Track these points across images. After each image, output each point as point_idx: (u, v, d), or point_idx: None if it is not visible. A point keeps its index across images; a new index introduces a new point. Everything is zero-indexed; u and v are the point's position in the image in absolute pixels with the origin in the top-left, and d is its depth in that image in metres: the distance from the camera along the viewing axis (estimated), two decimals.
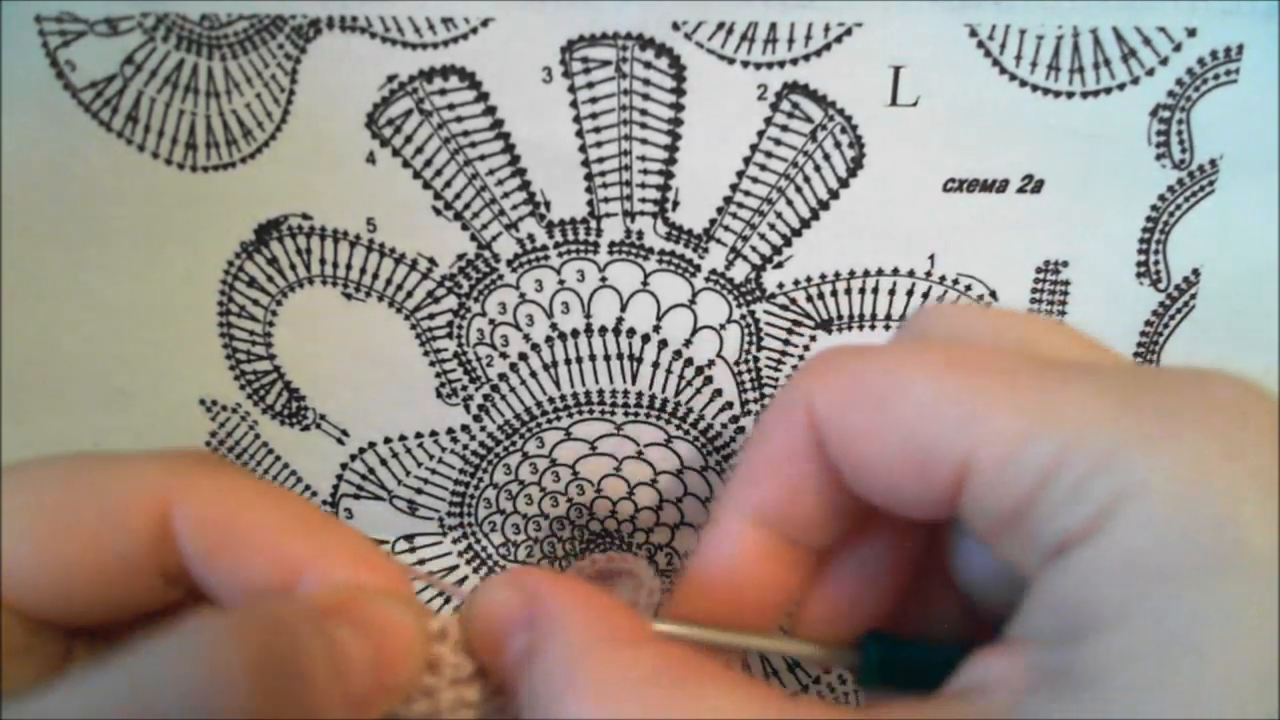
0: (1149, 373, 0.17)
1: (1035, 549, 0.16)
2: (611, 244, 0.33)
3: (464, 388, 0.35)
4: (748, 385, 0.35)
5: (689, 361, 0.35)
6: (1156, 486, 0.14)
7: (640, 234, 0.33)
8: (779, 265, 0.34)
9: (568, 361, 0.35)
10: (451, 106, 0.32)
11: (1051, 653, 0.15)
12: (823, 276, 0.34)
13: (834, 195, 0.33)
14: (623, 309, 0.34)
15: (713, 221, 0.33)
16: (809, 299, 0.34)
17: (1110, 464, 0.15)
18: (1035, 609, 0.16)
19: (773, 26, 0.31)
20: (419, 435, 0.36)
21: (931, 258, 0.34)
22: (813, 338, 0.35)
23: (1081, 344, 0.19)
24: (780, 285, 0.34)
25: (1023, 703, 0.15)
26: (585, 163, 0.32)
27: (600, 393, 0.35)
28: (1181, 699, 0.13)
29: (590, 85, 0.31)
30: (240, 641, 0.15)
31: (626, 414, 0.36)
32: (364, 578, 0.20)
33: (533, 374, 0.35)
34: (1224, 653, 0.13)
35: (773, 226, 0.33)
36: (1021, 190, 0.33)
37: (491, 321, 0.34)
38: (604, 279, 0.34)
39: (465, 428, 0.36)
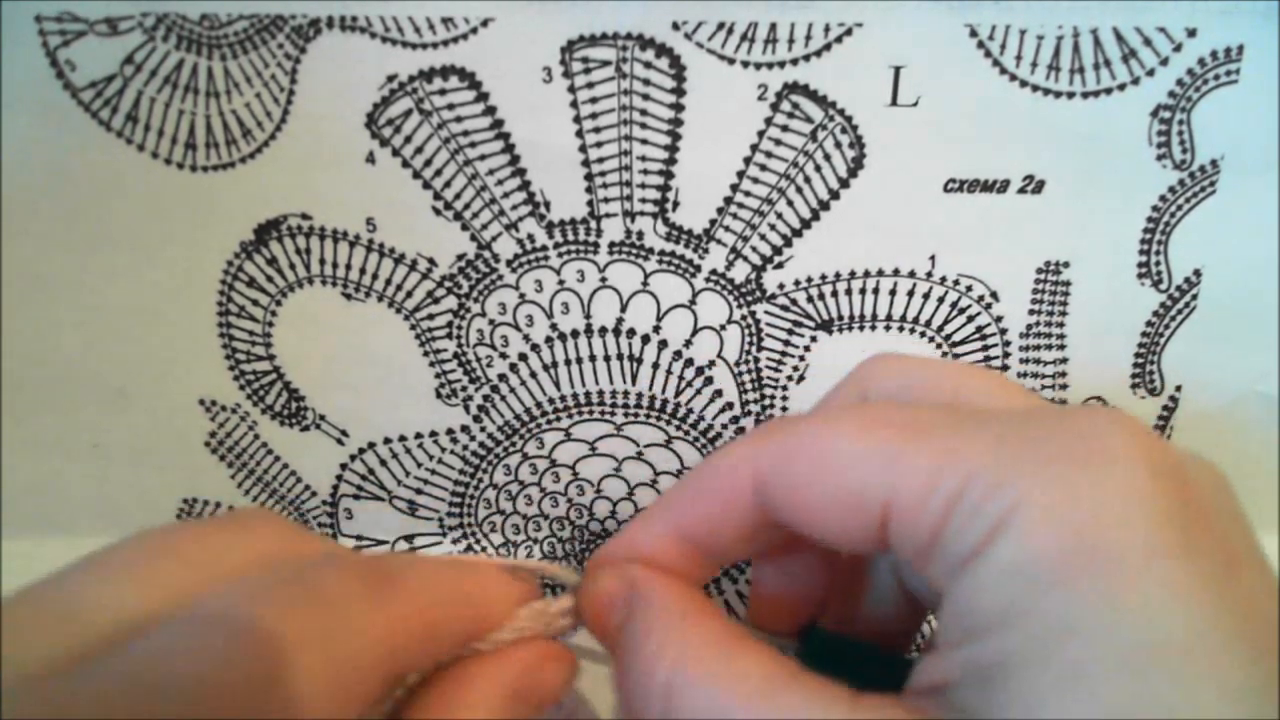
0: (1048, 412, 0.20)
1: (946, 567, 0.19)
2: (611, 244, 0.33)
3: (464, 388, 0.35)
4: (748, 386, 0.35)
5: (689, 362, 0.35)
6: (1032, 505, 0.18)
7: (640, 234, 0.33)
8: (779, 266, 0.34)
9: (568, 362, 0.35)
10: (451, 106, 0.32)
11: (968, 651, 0.18)
12: (823, 277, 0.34)
13: (834, 195, 0.33)
14: (623, 309, 0.34)
15: (713, 222, 0.33)
16: (810, 299, 0.34)
17: (997, 490, 0.18)
18: (948, 618, 0.19)
19: (773, 26, 0.31)
20: (419, 436, 0.36)
21: (932, 258, 0.34)
22: (813, 338, 0.35)
23: (1008, 392, 0.23)
24: (781, 286, 0.34)
25: (955, 696, 0.18)
26: (585, 163, 0.32)
27: (600, 393, 0.35)
28: (1065, 675, 0.17)
29: (590, 85, 0.31)
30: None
31: (626, 415, 0.36)
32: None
33: (533, 374, 0.35)
34: (1092, 637, 0.17)
35: (773, 227, 0.33)
36: (1022, 191, 0.33)
37: (491, 322, 0.34)
38: (604, 279, 0.34)
39: (465, 428, 0.36)
